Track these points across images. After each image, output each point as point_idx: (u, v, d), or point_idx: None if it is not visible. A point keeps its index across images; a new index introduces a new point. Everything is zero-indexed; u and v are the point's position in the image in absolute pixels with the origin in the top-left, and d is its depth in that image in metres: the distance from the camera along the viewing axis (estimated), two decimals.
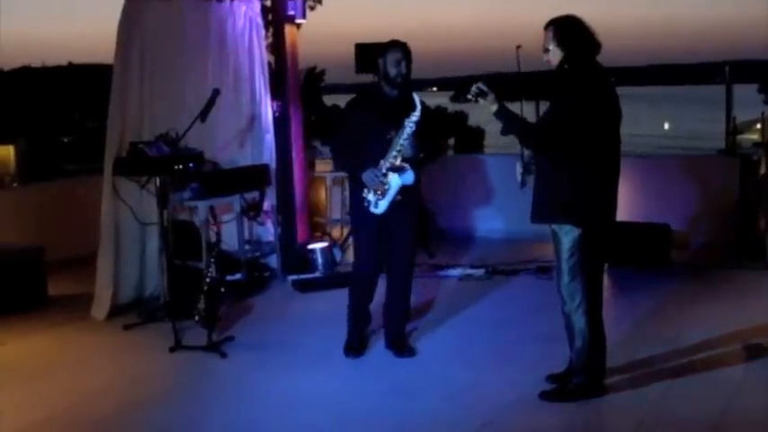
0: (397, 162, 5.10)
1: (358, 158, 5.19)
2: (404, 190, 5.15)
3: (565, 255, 4.51)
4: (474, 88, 4.47)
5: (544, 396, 4.62)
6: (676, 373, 4.91)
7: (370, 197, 5.13)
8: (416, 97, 5.08)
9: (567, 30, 4.44)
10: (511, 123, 4.50)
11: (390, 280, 5.51)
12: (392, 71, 5.18)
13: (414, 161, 5.16)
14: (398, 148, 5.10)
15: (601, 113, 4.39)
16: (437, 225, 8.98)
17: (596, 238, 4.53)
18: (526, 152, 4.71)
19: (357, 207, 5.30)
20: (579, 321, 4.54)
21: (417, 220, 5.44)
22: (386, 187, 5.11)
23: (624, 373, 4.89)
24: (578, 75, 4.41)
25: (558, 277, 4.63)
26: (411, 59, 5.23)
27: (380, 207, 5.14)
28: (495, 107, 4.45)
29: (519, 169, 4.77)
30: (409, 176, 5.12)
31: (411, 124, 5.07)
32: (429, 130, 5.26)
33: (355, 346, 5.49)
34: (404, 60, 5.18)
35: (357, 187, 5.26)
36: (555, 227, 4.55)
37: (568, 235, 4.47)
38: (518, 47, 4.73)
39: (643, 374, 4.90)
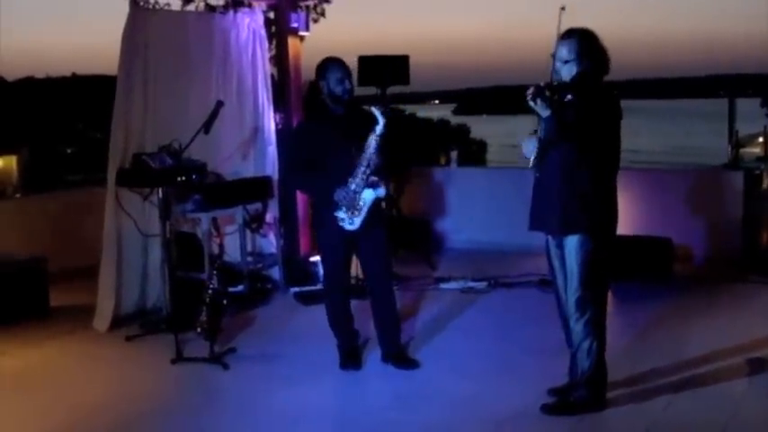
0: (370, 177, 5.10)
1: (321, 179, 5.18)
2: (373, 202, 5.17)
3: (578, 269, 4.43)
4: (534, 89, 4.16)
5: (546, 409, 4.60)
6: (679, 387, 4.89)
7: (342, 214, 5.12)
8: (375, 110, 5.07)
9: (590, 43, 4.37)
10: (557, 126, 4.25)
11: (372, 291, 5.46)
12: (338, 90, 5.18)
13: (381, 172, 5.17)
14: (367, 162, 5.09)
15: (616, 128, 4.39)
16: (438, 237, 8.99)
17: (608, 251, 4.51)
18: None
19: (322, 225, 5.31)
20: (589, 337, 4.50)
21: (387, 228, 5.40)
22: (360, 204, 5.11)
23: (626, 386, 4.88)
24: (596, 89, 4.37)
25: (566, 293, 4.57)
26: (351, 74, 5.25)
27: (356, 223, 5.14)
28: (547, 113, 4.22)
29: (534, 147, 4.37)
30: (382, 189, 5.16)
31: (376, 137, 5.07)
32: (390, 141, 5.23)
33: (350, 358, 5.47)
34: (347, 78, 5.19)
35: (321, 206, 5.27)
36: (567, 240, 4.45)
37: (583, 247, 4.40)
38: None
39: (645, 388, 4.89)
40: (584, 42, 4.37)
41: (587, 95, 4.33)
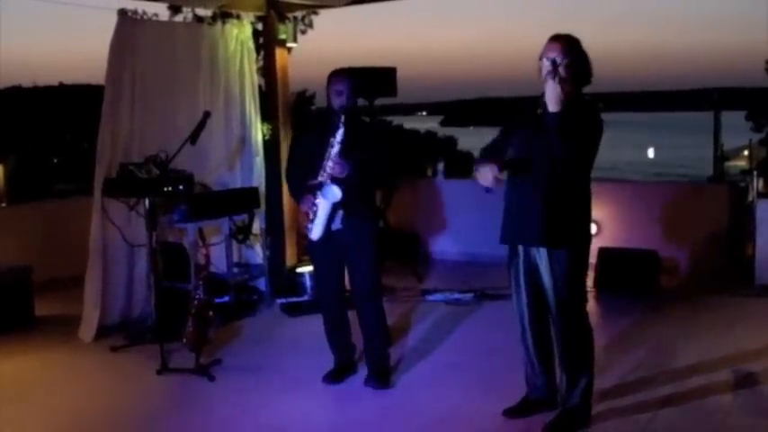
0: (327, 183, 5.01)
1: (300, 184, 5.17)
2: (349, 216, 5.09)
3: (569, 282, 4.38)
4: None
5: (548, 429, 4.50)
6: (664, 400, 4.90)
7: (308, 223, 5.13)
8: (329, 187, 5.00)
9: (581, 51, 4.29)
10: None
11: (355, 307, 5.39)
12: (335, 102, 5.14)
13: (345, 181, 5.01)
14: (324, 168, 5.02)
15: (597, 144, 4.35)
16: (425, 249, 8.99)
17: (586, 261, 4.50)
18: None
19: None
20: (586, 350, 4.49)
21: (372, 246, 5.23)
22: (314, 209, 5.07)
23: (611, 399, 4.89)
24: (587, 99, 4.36)
25: (555, 309, 4.50)
26: (354, 89, 5.18)
27: (315, 232, 5.10)
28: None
29: (493, 173, 4.29)
30: (330, 193, 5.00)
31: (335, 144, 4.99)
32: (368, 149, 5.10)
33: (332, 373, 5.42)
34: (346, 91, 5.13)
35: None
36: (555, 253, 4.37)
37: (569, 260, 4.36)
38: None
39: (630, 401, 4.89)
40: (579, 49, 4.28)
41: (574, 114, 4.22)
